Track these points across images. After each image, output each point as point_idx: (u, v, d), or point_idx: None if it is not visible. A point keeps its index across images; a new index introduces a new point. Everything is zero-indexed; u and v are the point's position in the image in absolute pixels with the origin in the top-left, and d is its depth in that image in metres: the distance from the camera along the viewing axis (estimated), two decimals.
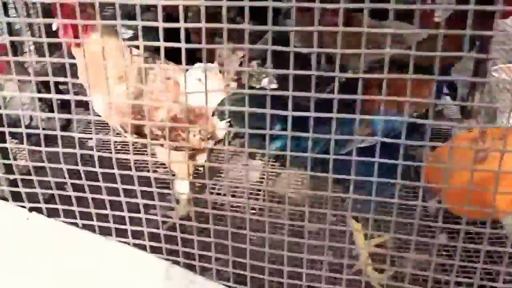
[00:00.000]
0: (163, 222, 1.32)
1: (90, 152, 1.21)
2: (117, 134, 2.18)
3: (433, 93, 1.84)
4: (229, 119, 1.93)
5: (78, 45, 1.91)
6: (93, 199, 1.30)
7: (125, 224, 1.30)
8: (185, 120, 2.12)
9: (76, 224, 1.38)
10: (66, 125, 2.80)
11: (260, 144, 1.93)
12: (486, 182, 1.25)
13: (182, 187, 2.24)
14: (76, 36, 1.88)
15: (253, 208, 2.45)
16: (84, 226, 1.37)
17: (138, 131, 2.09)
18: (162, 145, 2.14)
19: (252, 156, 1.93)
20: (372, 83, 1.82)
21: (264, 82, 2.12)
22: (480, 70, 3.09)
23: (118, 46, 1.95)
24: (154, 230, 1.30)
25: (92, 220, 1.33)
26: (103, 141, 3.13)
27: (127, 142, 2.98)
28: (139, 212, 1.26)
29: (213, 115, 1.99)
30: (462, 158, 1.58)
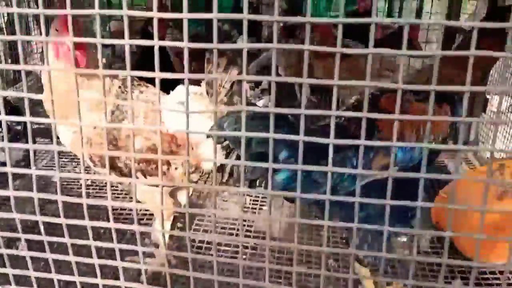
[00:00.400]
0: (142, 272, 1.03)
1: (51, 196, 0.93)
2: (86, 167, 1.92)
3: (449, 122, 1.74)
4: (226, 142, 1.73)
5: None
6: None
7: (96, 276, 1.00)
8: (167, 151, 1.90)
9: None
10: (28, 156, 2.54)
11: (262, 172, 1.77)
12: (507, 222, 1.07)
13: (161, 229, 1.98)
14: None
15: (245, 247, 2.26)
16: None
17: (110, 164, 1.84)
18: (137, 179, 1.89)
19: (252, 186, 1.73)
20: (388, 108, 1.70)
21: (259, 103, 1.92)
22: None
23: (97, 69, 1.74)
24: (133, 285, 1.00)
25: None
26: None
27: (95, 179, 2.74)
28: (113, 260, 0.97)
29: (208, 137, 1.78)
30: (478, 194, 1.39)
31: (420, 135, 1.63)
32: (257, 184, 1.70)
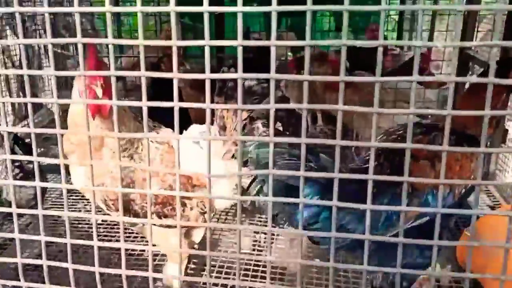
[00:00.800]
0: None
1: (60, 240, 0.88)
2: (98, 211, 1.88)
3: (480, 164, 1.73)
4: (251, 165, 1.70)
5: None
6: None
7: None
8: (183, 191, 1.85)
9: None
10: (41, 193, 2.52)
11: (283, 208, 1.72)
12: None
13: (174, 273, 1.92)
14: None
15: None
16: None
17: (125, 207, 1.80)
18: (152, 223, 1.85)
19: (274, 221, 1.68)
20: (419, 154, 1.66)
21: (258, 123, 1.89)
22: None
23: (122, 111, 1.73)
24: None
25: None
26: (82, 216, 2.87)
27: (107, 220, 2.70)
28: None
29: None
30: (502, 233, 1.32)
31: (453, 185, 1.60)
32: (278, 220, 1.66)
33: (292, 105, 0.70)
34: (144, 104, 0.73)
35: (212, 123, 1.92)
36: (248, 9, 0.64)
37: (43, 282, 0.86)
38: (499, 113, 0.65)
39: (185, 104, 0.75)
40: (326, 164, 1.56)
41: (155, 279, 0.92)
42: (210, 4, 0.67)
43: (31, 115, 0.76)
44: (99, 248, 0.83)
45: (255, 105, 0.79)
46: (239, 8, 0.64)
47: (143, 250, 2.55)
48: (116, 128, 0.74)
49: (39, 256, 0.92)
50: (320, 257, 2.47)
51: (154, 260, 2.42)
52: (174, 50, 0.67)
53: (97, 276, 0.77)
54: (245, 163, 1.65)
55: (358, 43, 0.65)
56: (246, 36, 5.14)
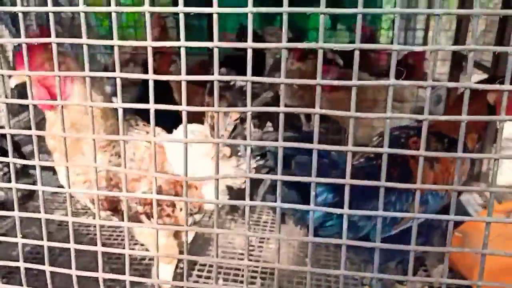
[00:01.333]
0: None
1: (63, 245, 0.86)
2: (84, 208, 1.87)
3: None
4: (261, 157, 1.69)
5: (52, 106, 1.64)
6: None
7: None
8: (171, 192, 1.84)
9: None
10: (30, 194, 2.50)
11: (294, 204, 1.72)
12: None
13: (165, 274, 1.90)
14: (51, 95, 1.62)
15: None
16: None
17: (114, 207, 1.79)
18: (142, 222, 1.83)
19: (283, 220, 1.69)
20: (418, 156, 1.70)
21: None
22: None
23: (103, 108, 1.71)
24: None
25: None
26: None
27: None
28: None
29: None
30: (492, 235, 1.32)
31: (449, 183, 1.66)
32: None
33: (268, 108, 0.69)
34: (152, 106, 0.72)
35: (202, 122, 1.90)
36: (222, 10, 0.63)
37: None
38: (474, 118, 0.64)
39: (195, 108, 0.73)
40: (336, 160, 1.58)
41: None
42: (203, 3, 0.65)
43: (6, 117, 0.76)
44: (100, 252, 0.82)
45: (234, 108, 0.78)
46: (215, 9, 0.64)
47: (133, 249, 2.55)
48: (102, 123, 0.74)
49: (30, 254, 0.91)
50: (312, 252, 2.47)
51: (144, 259, 2.41)
52: (183, 53, 0.66)
53: (74, 279, 0.77)
54: (263, 156, 1.65)
55: (336, 46, 0.64)
56: (242, 33, 5.11)
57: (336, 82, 0.67)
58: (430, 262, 2.38)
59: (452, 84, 0.65)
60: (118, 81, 0.69)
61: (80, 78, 1.64)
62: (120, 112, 0.71)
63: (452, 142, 1.70)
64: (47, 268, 0.77)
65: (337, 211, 0.70)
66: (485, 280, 1.99)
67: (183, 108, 0.70)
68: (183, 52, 0.68)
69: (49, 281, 0.80)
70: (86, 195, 1.74)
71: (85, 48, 0.68)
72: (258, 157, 1.66)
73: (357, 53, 0.65)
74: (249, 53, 0.66)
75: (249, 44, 0.65)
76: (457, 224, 2.30)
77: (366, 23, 6.12)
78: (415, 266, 2.11)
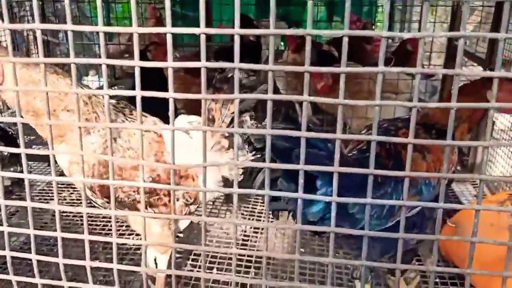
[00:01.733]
0: None
1: (50, 234, 0.84)
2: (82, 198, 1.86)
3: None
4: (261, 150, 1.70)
5: None
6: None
7: None
8: (168, 182, 1.83)
9: None
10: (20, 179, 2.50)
11: (294, 200, 1.74)
12: None
13: (159, 263, 1.91)
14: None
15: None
16: None
17: (109, 194, 1.78)
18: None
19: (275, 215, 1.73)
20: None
21: (246, 117, 1.89)
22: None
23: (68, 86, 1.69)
24: None
25: None
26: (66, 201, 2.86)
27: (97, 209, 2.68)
28: None
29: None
30: (485, 225, 1.32)
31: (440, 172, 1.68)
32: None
33: (256, 96, 0.69)
34: (171, 95, 0.71)
35: (196, 112, 1.90)
36: None
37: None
38: (464, 105, 0.64)
39: (181, 95, 0.72)
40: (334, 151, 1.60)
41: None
42: None
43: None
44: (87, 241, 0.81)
45: (221, 95, 0.77)
46: None
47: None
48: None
49: (25, 245, 0.89)
50: (305, 247, 2.49)
51: (139, 249, 2.42)
52: (169, 39, 0.65)
53: (61, 267, 0.76)
54: (262, 150, 1.66)
55: (324, 32, 0.63)
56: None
57: (324, 69, 0.66)
58: (424, 253, 2.40)
59: (442, 71, 0.65)
60: (104, 68, 0.69)
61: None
62: (106, 98, 0.70)
63: (440, 133, 1.72)
64: (33, 256, 0.76)
65: (326, 198, 0.70)
66: (482, 275, 2.01)
67: (170, 95, 0.69)
68: (169, 38, 0.67)
69: (35, 270, 0.80)
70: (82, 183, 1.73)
71: (69, 34, 0.67)
72: (259, 150, 1.68)
73: (345, 39, 0.64)
74: (236, 39, 0.65)
75: (237, 30, 0.64)
76: (450, 214, 2.31)
77: (363, 16, 6.11)
78: (410, 258, 2.13)
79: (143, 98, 0.72)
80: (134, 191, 1.75)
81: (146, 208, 1.80)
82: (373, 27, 6.07)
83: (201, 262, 2.35)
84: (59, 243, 0.77)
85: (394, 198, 1.65)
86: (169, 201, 1.81)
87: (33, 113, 1.63)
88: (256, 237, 2.63)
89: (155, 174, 1.78)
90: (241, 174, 1.86)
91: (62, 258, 0.76)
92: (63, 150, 1.69)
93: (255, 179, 1.72)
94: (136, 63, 0.67)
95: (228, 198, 2.69)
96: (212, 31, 0.68)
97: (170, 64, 0.67)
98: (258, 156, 1.74)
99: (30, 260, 0.80)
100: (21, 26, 0.74)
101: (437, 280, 2.23)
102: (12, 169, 2.33)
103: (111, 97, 0.76)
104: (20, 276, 0.82)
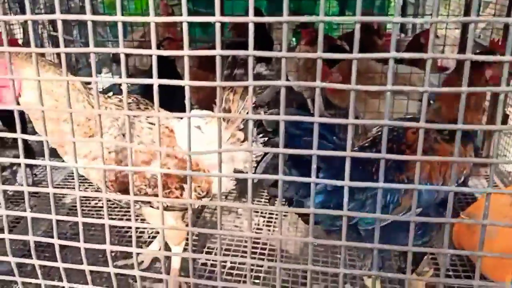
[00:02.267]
0: None
1: (72, 219, 0.86)
2: (96, 190, 1.90)
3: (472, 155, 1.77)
4: (264, 132, 1.73)
5: None
6: None
7: None
8: (180, 176, 1.86)
9: None
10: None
11: (295, 190, 1.77)
12: None
13: (174, 255, 1.94)
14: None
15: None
16: None
17: (124, 188, 1.82)
18: (150, 205, 1.86)
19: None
20: (414, 145, 1.71)
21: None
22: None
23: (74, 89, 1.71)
24: None
25: None
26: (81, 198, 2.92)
27: (110, 202, 2.74)
28: None
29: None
30: (499, 217, 1.32)
31: (447, 177, 1.67)
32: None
33: (269, 82, 0.70)
34: (187, 83, 0.73)
35: (209, 107, 1.92)
36: None
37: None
38: (474, 89, 0.65)
39: (197, 83, 0.73)
40: (341, 145, 1.62)
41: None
42: None
43: None
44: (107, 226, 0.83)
45: (237, 82, 0.79)
46: None
47: (143, 232, 2.59)
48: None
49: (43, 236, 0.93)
50: (316, 236, 2.50)
51: (149, 237, 2.45)
52: (185, 28, 0.67)
53: (82, 251, 0.79)
54: (272, 133, 1.68)
55: (336, 19, 0.65)
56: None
57: (336, 55, 0.68)
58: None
59: (452, 56, 0.65)
60: (122, 57, 0.71)
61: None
62: (124, 87, 0.73)
63: (452, 133, 1.71)
64: (55, 241, 0.79)
65: (337, 182, 0.71)
66: (497, 265, 1.98)
67: (186, 83, 0.71)
68: (185, 27, 0.69)
69: (58, 255, 0.83)
70: (96, 176, 1.77)
71: (89, 24, 0.70)
72: (268, 133, 1.70)
73: (357, 26, 0.66)
74: (251, 27, 0.67)
75: (251, 18, 0.66)
76: (463, 207, 2.31)
77: (375, 10, 6.08)
78: (421, 254, 2.14)
79: (152, 93, 0.74)
80: (145, 185, 1.78)
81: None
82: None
83: (213, 255, 2.38)
84: (80, 227, 0.79)
85: (388, 196, 1.66)
86: (181, 194, 1.84)
87: (38, 116, 1.64)
88: (269, 230, 2.65)
89: (165, 168, 1.80)
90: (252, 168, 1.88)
91: (83, 243, 0.79)
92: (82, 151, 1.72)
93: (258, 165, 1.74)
94: (154, 52, 0.69)
95: (241, 192, 2.71)
96: (227, 19, 0.70)
97: (186, 53, 0.70)
98: (266, 139, 1.76)
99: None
100: (42, 17, 0.76)
101: (450, 273, 2.23)
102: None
103: (115, 94, 0.79)
104: (42, 261, 0.85)
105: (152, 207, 1.86)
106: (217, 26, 0.68)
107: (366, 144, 1.83)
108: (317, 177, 1.56)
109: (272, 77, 1.85)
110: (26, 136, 0.77)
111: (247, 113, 1.79)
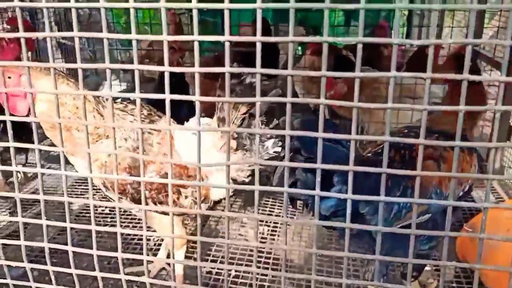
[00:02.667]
0: None
1: (87, 227, 0.88)
2: (103, 197, 1.95)
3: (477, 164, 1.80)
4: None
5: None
6: None
7: None
8: (178, 179, 1.89)
9: None
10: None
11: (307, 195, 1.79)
12: None
13: (177, 259, 1.97)
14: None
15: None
16: None
17: (123, 189, 1.85)
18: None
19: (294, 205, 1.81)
20: (425, 154, 1.75)
21: (269, 143, 1.92)
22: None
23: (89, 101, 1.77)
24: None
25: None
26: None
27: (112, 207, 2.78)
28: None
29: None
30: (502, 231, 1.33)
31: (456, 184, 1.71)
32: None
33: (276, 99, 0.74)
34: (197, 98, 0.77)
35: (212, 115, 1.96)
36: (232, 6, 0.68)
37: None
38: (472, 108, 0.68)
39: (208, 99, 0.77)
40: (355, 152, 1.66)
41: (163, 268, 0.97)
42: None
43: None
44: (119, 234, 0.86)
45: (245, 98, 0.83)
46: (226, 5, 0.68)
47: (149, 239, 2.62)
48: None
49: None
50: (321, 246, 2.52)
51: (155, 245, 2.48)
52: (196, 46, 0.70)
53: (95, 258, 0.82)
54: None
55: (338, 39, 0.68)
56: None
57: (339, 74, 0.71)
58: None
59: (450, 76, 0.69)
60: (136, 73, 0.75)
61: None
62: (138, 102, 0.76)
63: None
64: (69, 248, 0.82)
65: (341, 195, 0.74)
66: (498, 278, 1.98)
67: (196, 98, 0.75)
68: (196, 45, 0.72)
69: (71, 261, 0.86)
70: (97, 179, 1.82)
71: (105, 42, 0.74)
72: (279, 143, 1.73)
73: (360, 46, 0.69)
74: (258, 47, 0.71)
75: (258, 38, 0.70)
76: (467, 218, 2.32)
77: (383, 19, 6.11)
78: (422, 264, 2.15)
79: (158, 100, 0.78)
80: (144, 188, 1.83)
81: (155, 204, 1.86)
82: (392, 31, 6.08)
83: (218, 263, 2.40)
84: (93, 235, 0.83)
85: (401, 203, 1.68)
86: (178, 198, 1.88)
87: (51, 125, 1.67)
88: (273, 239, 2.67)
89: (163, 172, 1.83)
90: (248, 176, 1.94)
91: (96, 250, 0.82)
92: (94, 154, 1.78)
93: (275, 171, 1.77)
94: (166, 68, 0.73)
95: (246, 200, 2.73)
96: (235, 38, 0.74)
97: (196, 69, 0.73)
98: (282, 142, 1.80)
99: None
100: (60, 34, 0.80)
101: (454, 285, 2.25)
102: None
103: (120, 100, 0.83)
104: (55, 267, 0.88)
105: (157, 211, 1.90)
106: (226, 45, 0.72)
107: (379, 151, 1.85)
108: (332, 180, 1.62)
109: (267, 86, 1.89)
110: (44, 147, 0.81)
111: (241, 122, 1.85)
